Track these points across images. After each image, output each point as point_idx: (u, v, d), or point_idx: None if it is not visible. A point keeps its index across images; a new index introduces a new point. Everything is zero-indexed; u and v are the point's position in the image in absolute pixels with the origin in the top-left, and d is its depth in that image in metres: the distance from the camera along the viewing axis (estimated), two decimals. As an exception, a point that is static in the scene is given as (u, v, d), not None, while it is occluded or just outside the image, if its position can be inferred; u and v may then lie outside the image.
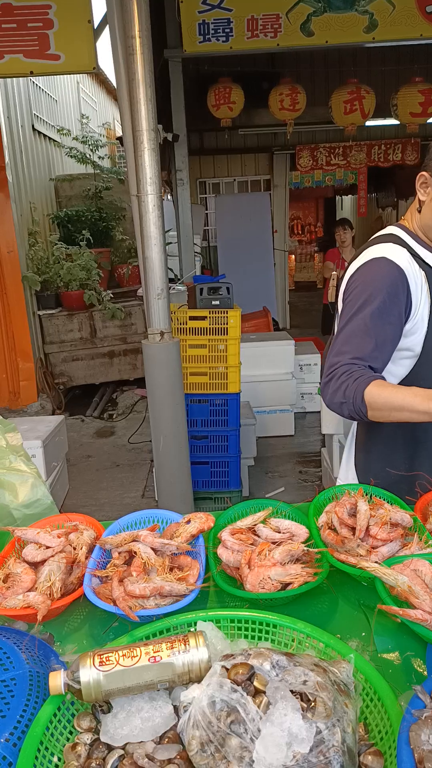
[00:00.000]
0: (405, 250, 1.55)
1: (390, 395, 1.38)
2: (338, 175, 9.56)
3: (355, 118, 5.92)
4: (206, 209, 9.17)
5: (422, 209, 1.57)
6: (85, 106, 10.50)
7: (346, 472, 1.80)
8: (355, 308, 1.51)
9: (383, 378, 1.48)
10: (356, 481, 1.73)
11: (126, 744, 0.84)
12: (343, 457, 1.84)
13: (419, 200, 1.57)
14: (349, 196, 13.97)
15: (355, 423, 1.80)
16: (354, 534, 1.28)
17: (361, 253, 1.63)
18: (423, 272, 1.55)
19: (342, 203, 15.96)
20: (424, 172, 1.53)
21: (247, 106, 6.01)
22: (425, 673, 0.99)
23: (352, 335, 1.49)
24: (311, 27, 4.46)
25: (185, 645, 0.88)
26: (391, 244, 1.56)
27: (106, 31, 3.19)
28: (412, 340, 1.55)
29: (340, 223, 6.94)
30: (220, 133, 8.04)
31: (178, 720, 0.84)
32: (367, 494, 1.44)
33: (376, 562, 1.15)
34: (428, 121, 6.12)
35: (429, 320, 1.55)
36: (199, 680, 0.86)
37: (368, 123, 6.54)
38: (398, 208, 11.30)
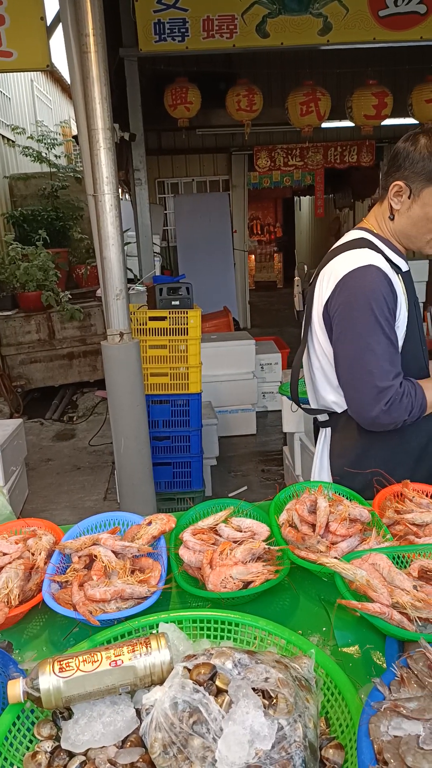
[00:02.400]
0: (380, 255, 1.57)
1: (429, 394, 1.57)
2: (296, 176, 9.66)
3: (311, 120, 5.99)
4: (165, 209, 9.13)
5: (396, 218, 1.58)
6: (39, 103, 10.33)
7: (320, 478, 1.80)
8: (370, 322, 1.52)
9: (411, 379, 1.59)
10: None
11: (88, 750, 0.83)
12: (315, 465, 1.84)
13: (392, 208, 1.57)
14: (307, 197, 14.16)
15: (326, 431, 1.79)
16: (314, 531, 1.29)
17: (332, 258, 1.63)
18: (397, 275, 1.59)
19: (300, 204, 16.17)
20: (398, 182, 1.52)
21: (204, 107, 6.01)
22: (384, 665, 1.01)
23: (384, 352, 1.52)
24: (266, 28, 4.49)
25: (147, 647, 0.88)
26: (367, 249, 1.57)
27: (60, 28, 3.14)
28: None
29: None
30: (178, 133, 8.00)
31: (141, 723, 0.84)
32: (326, 491, 1.46)
33: (335, 557, 1.17)
34: (382, 123, 6.23)
35: (408, 319, 1.61)
36: (161, 682, 0.85)
37: (324, 125, 6.59)
38: (355, 209, 11.49)
